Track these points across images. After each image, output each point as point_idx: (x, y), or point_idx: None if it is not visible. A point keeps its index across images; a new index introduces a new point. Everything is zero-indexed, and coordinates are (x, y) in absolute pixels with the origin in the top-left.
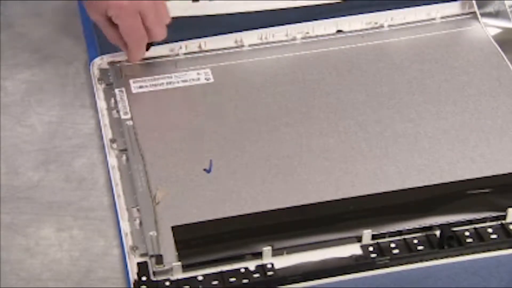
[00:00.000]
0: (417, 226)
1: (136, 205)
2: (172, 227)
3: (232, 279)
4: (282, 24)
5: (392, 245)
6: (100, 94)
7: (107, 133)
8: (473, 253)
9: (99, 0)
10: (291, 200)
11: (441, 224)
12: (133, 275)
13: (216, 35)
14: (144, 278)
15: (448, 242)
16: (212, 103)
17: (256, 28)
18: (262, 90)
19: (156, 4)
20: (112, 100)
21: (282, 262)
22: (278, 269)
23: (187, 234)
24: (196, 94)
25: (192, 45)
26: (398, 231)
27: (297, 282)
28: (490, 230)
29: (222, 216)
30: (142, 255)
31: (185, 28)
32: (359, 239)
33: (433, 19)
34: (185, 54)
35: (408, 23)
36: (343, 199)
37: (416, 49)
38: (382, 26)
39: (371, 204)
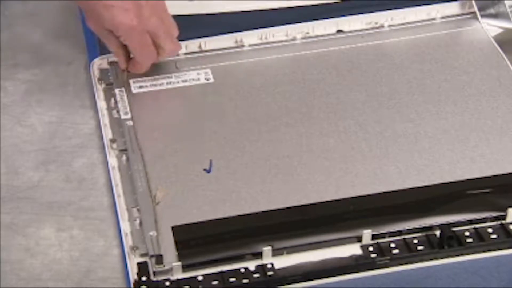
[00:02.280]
0: (417, 226)
1: (136, 205)
2: (172, 227)
3: (232, 279)
4: (282, 24)
5: (392, 245)
6: (100, 94)
7: (107, 133)
8: (473, 253)
9: (106, 15)
10: (291, 200)
11: (441, 224)
12: (133, 275)
13: (216, 35)
14: (144, 278)
15: (448, 242)
16: (212, 103)
17: (256, 28)
18: (262, 90)
19: (164, 20)
20: (112, 100)
21: (282, 262)
22: (278, 269)
23: (187, 234)
24: (196, 94)
25: (192, 45)
26: (398, 231)
27: (297, 282)
28: (490, 230)
29: (222, 216)
30: (142, 255)
31: (185, 28)
32: (359, 239)
33: (433, 19)
34: (185, 54)
35: (408, 23)
36: (343, 199)
37: (416, 49)
38: (382, 26)
39: (371, 204)
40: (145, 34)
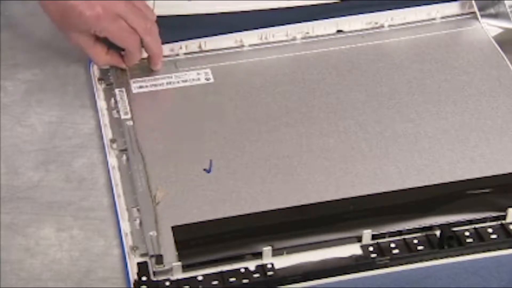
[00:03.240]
0: (417, 226)
1: (136, 205)
2: (172, 227)
3: (232, 279)
4: (282, 24)
5: (392, 245)
6: (100, 94)
7: (107, 133)
8: (473, 253)
9: (74, 15)
10: (291, 200)
11: (441, 224)
12: (133, 275)
13: (216, 35)
14: (144, 278)
15: (448, 242)
16: (212, 103)
17: (256, 28)
18: (262, 90)
19: (134, 3)
20: (112, 100)
21: (282, 262)
22: (278, 269)
23: (187, 234)
24: (196, 94)
25: (192, 45)
26: (398, 231)
27: (297, 282)
28: (490, 230)
29: (222, 216)
30: (142, 255)
31: (185, 28)
32: (359, 239)
33: (433, 19)
34: (185, 54)
35: (408, 23)
36: (343, 199)
37: (416, 49)
38: (382, 26)
39: (371, 204)
40: (118, 19)
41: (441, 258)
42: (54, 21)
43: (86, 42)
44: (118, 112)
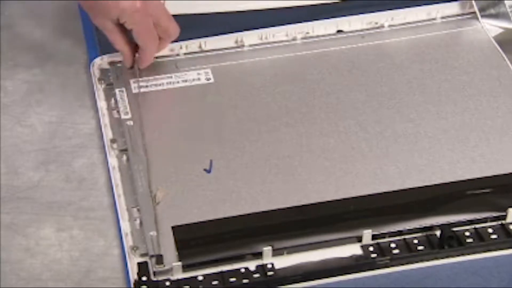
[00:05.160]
0: (418, 226)
1: (136, 205)
2: (172, 227)
3: (232, 279)
4: (283, 24)
5: (392, 245)
6: (100, 94)
7: (107, 133)
8: (473, 253)
9: (111, 3)
10: (291, 200)
11: (441, 224)
12: (133, 275)
13: (216, 35)
14: (144, 278)
15: (448, 242)
16: (212, 103)
17: (256, 28)
18: (262, 90)
19: (160, 3)
20: (112, 100)
21: (282, 262)
22: (278, 269)
23: (187, 234)
24: (196, 94)
25: (192, 45)
26: (398, 231)
27: (298, 282)
28: (490, 230)
29: (222, 216)
30: (142, 255)
31: (185, 28)
32: (359, 239)
33: (434, 19)
34: (185, 54)
35: (409, 23)
36: (343, 199)
37: (416, 49)
38: (382, 26)
39: (371, 204)
40: (148, 17)
41: (441, 258)
42: (84, 4)
43: (110, 28)
44: (118, 112)
